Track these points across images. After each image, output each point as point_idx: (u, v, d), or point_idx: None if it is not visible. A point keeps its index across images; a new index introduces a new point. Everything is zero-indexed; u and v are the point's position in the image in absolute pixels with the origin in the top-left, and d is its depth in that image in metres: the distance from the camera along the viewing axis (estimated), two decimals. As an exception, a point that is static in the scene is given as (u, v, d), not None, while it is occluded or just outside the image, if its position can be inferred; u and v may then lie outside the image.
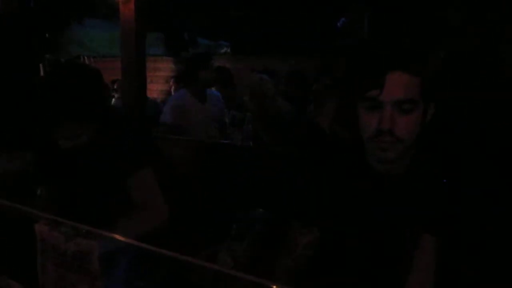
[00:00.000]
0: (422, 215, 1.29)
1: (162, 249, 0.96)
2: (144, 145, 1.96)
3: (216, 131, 3.93)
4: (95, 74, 1.84)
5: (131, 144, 1.91)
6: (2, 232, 2.11)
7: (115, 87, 6.30)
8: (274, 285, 0.82)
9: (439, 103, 1.30)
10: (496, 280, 1.29)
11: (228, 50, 9.99)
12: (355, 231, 1.39)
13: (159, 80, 8.56)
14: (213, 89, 4.42)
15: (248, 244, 2.28)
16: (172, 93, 6.66)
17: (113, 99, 6.06)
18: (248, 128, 3.74)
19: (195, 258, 0.93)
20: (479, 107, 2.31)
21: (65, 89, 1.73)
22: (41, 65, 6.95)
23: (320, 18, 8.06)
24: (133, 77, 3.74)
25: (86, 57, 8.63)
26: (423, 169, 1.33)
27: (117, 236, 1.04)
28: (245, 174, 3.00)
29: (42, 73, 6.92)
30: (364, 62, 1.30)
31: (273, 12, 8.88)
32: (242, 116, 3.91)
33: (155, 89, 8.30)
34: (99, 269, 1.06)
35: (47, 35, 7.27)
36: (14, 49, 3.41)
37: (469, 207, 1.26)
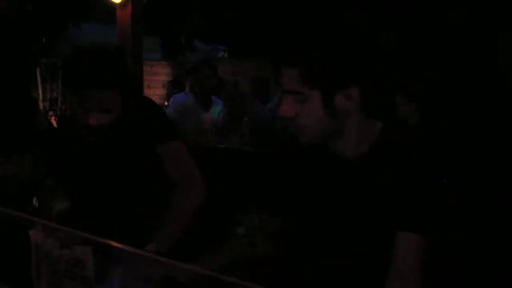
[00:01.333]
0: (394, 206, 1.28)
1: (159, 255, 0.95)
2: (171, 122, 2.03)
3: (212, 136, 3.95)
4: (121, 49, 1.90)
5: (159, 118, 1.95)
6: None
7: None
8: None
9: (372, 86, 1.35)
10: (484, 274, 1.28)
11: (226, 55, 9.99)
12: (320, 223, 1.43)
13: (157, 85, 8.56)
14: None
15: (248, 246, 2.27)
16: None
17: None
18: (245, 131, 3.75)
19: (196, 262, 0.93)
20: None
21: (96, 59, 1.76)
22: (38, 69, 6.96)
23: (318, 21, 8.07)
24: (130, 82, 3.74)
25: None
26: (384, 153, 1.34)
27: (113, 243, 1.03)
28: (243, 178, 3.00)
29: (38, 78, 6.93)
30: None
31: (270, 15, 8.90)
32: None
33: (153, 93, 8.29)
34: (94, 276, 1.05)
35: (44, 39, 7.26)
36: (11, 53, 3.40)
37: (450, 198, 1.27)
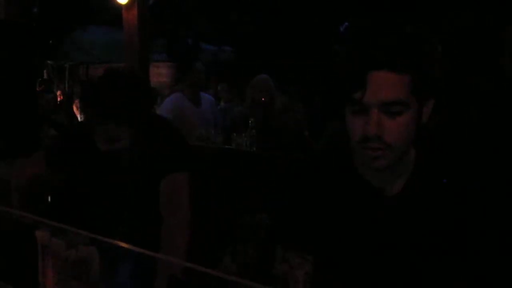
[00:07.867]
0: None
1: (163, 255, 0.94)
2: (181, 150, 1.98)
3: (208, 133, 3.98)
4: (142, 81, 1.87)
5: (168, 148, 1.91)
6: (3, 239, 2.10)
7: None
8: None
9: (440, 103, 1.21)
10: None
11: (232, 56, 10.00)
12: (353, 258, 1.26)
13: (163, 86, 8.57)
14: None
15: (252, 249, 2.26)
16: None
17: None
18: (252, 133, 3.74)
19: (199, 263, 0.92)
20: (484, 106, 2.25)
21: (111, 93, 1.76)
22: (44, 71, 7.00)
23: (326, 23, 8.07)
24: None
25: (88, 64, 8.60)
26: (423, 186, 1.23)
27: (118, 243, 1.03)
28: (249, 179, 3.00)
29: (46, 79, 6.97)
30: (346, 61, 1.16)
31: (277, 18, 8.90)
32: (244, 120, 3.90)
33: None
34: (99, 276, 1.05)
35: (50, 41, 7.30)
36: (18, 55, 3.41)
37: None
